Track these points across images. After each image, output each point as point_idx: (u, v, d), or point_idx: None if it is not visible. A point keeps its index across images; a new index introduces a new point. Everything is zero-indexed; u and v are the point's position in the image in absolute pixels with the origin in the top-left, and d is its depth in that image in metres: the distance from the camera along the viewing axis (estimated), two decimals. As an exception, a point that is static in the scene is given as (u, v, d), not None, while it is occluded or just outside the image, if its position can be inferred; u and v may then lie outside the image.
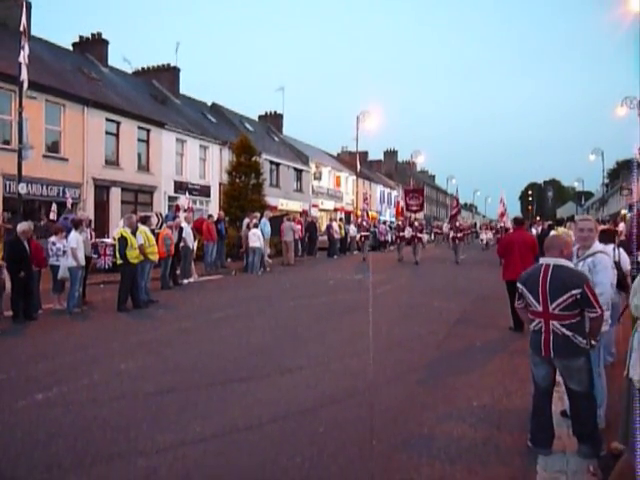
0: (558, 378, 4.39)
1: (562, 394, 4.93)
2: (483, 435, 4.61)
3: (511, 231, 16.85)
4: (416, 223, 24.70)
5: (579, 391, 4.12)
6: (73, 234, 10.71)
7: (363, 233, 25.71)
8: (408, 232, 23.46)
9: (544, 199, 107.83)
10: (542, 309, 4.12)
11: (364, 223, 26.31)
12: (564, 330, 4.04)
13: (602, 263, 4.66)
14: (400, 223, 25.28)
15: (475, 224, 46.61)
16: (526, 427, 4.44)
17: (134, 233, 11.25)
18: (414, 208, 25.65)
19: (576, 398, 4.17)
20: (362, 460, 4.14)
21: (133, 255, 11.05)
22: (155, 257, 12.03)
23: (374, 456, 4.20)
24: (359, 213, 32.43)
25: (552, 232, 11.27)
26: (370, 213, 51.41)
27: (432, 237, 42.12)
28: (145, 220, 12.42)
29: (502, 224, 23.26)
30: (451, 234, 25.35)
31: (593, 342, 4.13)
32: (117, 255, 11.25)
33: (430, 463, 4.10)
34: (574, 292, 3.97)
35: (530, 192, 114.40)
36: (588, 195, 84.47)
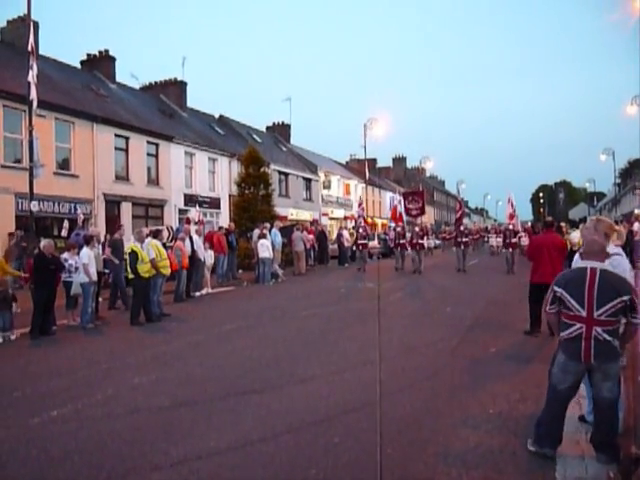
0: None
1: (579, 398, 4.88)
2: (500, 442, 4.55)
3: (541, 233, 16.68)
4: (417, 228, 23.43)
5: (610, 398, 4.02)
6: (85, 250, 10.79)
7: (360, 241, 23.81)
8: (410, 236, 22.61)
9: (555, 201, 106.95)
10: (586, 314, 3.99)
11: (360, 230, 24.45)
12: (605, 335, 3.94)
13: (622, 265, 4.58)
14: (399, 229, 23.74)
15: (486, 228, 45.48)
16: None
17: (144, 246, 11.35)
18: (414, 212, 24.08)
19: (604, 406, 4.07)
20: (378, 470, 4.10)
21: (144, 269, 11.10)
22: (167, 271, 12.08)
23: (390, 465, 4.16)
24: (355, 216, 30.30)
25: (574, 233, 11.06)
26: (375, 220, 51.41)
27: (440, 242, 41.32)
28: (157, 234, 12.48)
29: (511, 227, 21.64)
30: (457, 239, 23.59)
31: (622, 349, 4.07)
32: (128, 270, 11.32)
33: (446, 471, 4.06)
34: (625, 298, 3.90)
35: (541, 194, 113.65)
36: (600, 196, 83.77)
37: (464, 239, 22.39)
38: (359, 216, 25.51)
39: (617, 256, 4.69)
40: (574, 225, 16.60)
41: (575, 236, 10.31)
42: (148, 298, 11.21)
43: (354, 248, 25.61)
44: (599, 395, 4.08)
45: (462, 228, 23.33)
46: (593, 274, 4.02)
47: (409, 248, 22.64)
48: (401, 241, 22.88)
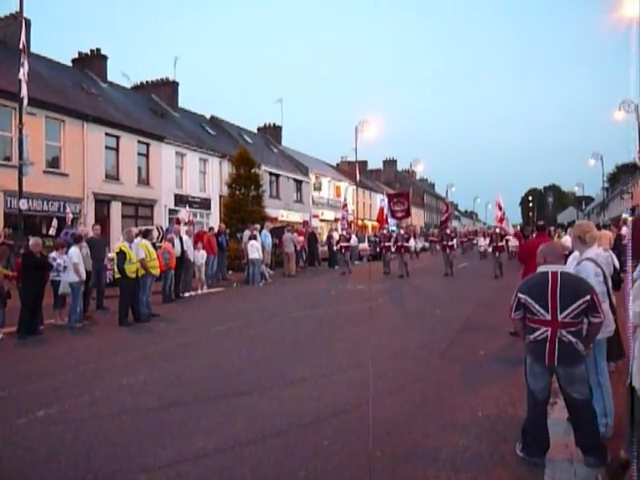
0: (556, 386, 4.35)
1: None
2: (489, 445, 4.55)
3: (532, 237, 16.66)
4: (401, 231, 22.43)
5: (581, 400, 4.06)
6: (73, 249, 10.71)
7: (343, 244, 22.95)
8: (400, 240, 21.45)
9: (545, 205, 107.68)
10: (551, 317, 4.04)
11: (344, 232, 23.50)
12: (570, 337, 4.00)
13: (586, 270, 4.63)
14: (385, 232, 22.62)
15: (475, 231, 45.35)
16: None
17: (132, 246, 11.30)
18: (399, 215, 22.33)
19: (578, 408, 4.12)
20: (367, 473, 4.09)
21: (131, 269, 11.05)
22: (156, 271, 12.03)
23: (379, 468, 4.15)
24: (340, 218, 29.08)
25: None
26: (365, 222, 51.43)
27: (428, 245, 41.05)
28: (147, 234, 12.42)
29: (498, 230, 20.58)
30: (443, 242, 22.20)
31: (588, 351, 4.12)
32: (116, 269, 11.26)
33: (435, 475, 4.05)
34: (586, 298, 3.96)
35: (530, 198, 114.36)
36: (588, 200, 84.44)
37: (450, 242, 21.48)
38: (343, 218, 24.94)
39: (585, 261, 4.73)
40: (565, 229, 16.52)
41: (567, 240, 10.36)
42: (137, 298, 11.14)
43: (335, 250, 24.60)
44: (570, 398, 4.13)
45: (448, 231, 22.26)
46: (555, 278, 4.09)
47: (393, 250, 21.91)
48: (386, 244, 22.05)
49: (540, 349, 4.09)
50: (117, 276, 11.23)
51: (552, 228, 22.76)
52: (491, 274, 19.29)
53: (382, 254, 22.64)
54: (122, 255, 11.02)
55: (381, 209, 24.19)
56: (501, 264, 19.58)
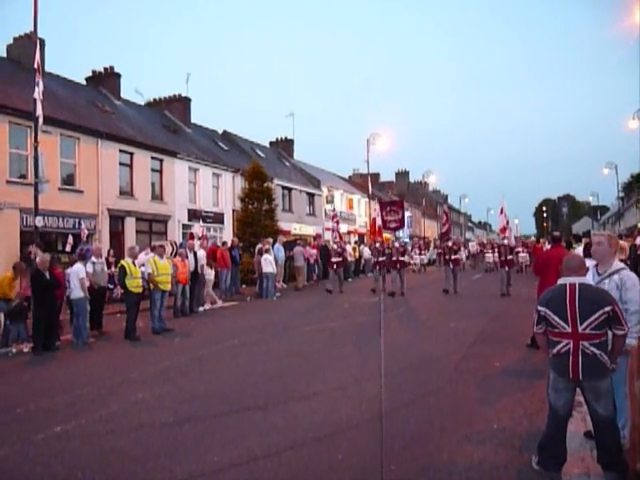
0: (579, 398, 4.31)
1: (584, 415, 4.85)
2: (504, 458, 4.53)
3: (548, 248, 16.03)
4: (397, 244, 19.72)
5: (605, 416, 4.01)
6: (78, 265, 10.87)
7: (334, 259, 20.16)
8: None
9: (559, 215, 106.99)
10: (571, 330, 4.00)
11: (335, 246, 20.89)
12: (593, 349, 3.94)
13: (631, 280, 4.57)
14: (378, 245, 19.78)
15: (483, 243, 43.12)
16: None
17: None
18: (393, 225, 19.29)
19: (602, 424, 4.05)
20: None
21: (133, 284, 11.21)
22: (166, 286, 12.08)
23: (394, 482, 4.14)
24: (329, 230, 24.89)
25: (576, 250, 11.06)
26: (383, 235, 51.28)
27: (435, 258, 39.51)
28: (154, 248, 12.49)
29: (506, 241, 18.24)
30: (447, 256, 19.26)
31: (614, 365, 4.06)
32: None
33: (451, 488, 4.04)
34: (607, 309, 3.93)
35: (544, 208, 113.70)
36: (604, 209, 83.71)
37: (454, 256, 19.03)
38: (333, 230, 22.09)
39: (626, 271, 4.67)
40: (578, 239, 15.74)
41: (580, 251, 10.29)
42: (132, 314, 11.24)
43: (330, 265, 21.01)
44: (595, 414, 4.06)
45: (450, 243, 19.66)
46: (572, 289, 4.06)
47: (377, 268, 19.12)
48: (380, 259, 19.12)
49: (563, 363, 4.04)
50: (121, 291, 11.47)
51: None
52: (493, 292, 17.40)
53: (375, 270, 19.93)
54: (122, 270, 11.28)
55: (374, 220, 21.93)
56: (509, 281, 17.27)
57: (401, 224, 20.02)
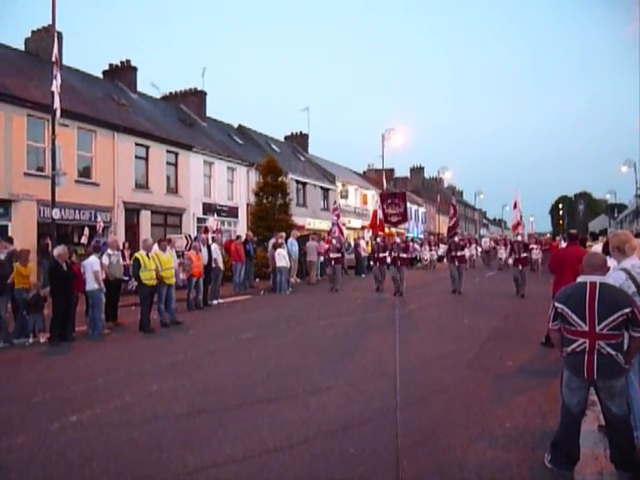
0: (593, 397, 4.28)
1: (598, 413, 4.82)
2: (517, 456, 4.51)
3: (563, 245, 15.58)
4: (397, 239, 17.74)
5: (619, 415, 3.98)
6: (93, 258, 10.96)
7: (333, 255, 19.06)
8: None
9: (575, 212, 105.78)
10: (588, 329, 3.97)
11: (334, 241, 19.53)
12: (609, 349, 3.91)
13: (615, 281, 4.54)
14: (379, 240, 18.64)
15: (496, 239, 41.63)
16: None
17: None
18: (394, 219, 18.90)
19: (616, 423, 4.03)
20: (393, 482, 4.09)
21: (147, 277, 11.28)
22: (170, 280, 12.08)
23: (405, 478, 4.15)
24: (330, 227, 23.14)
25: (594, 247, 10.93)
26: (392, 230, 51.11)
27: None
28: (160, 243, 12.53)
29: (519, 237, 16.99)
30: (452, 253, 17.76)
31: (628, 365, 4.03)
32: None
33: (463, 485, 4.04)
34: (626, 310, 3.89)
35: (561, 206, 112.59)
36: (621, 207, 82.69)
37: (459, 253, 17.55)
38: (333, 224, 20.92)
39: (618, 271, 4.63)
40: (594, 237, 15.13)
41: (597, 249, 10.18)
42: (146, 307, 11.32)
43: (324, 259, 20.29)
44: (609, 414, 4.04)
45: (457, 239, 18.09)
46: (593, 288, 4.02)
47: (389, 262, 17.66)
48: (381, 255, 17.91)
49: (578, 362, 4.01)
50: (135, 284, 11.58)
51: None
52: (506, 292, 16.68)
53: (374, 267, 19.06)
54: (137, 263, 11.36)
55: (374, 213, 21.10)
56: (524, 280, 16.16)
57: (404, 218, 19.15)
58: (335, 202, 24.53)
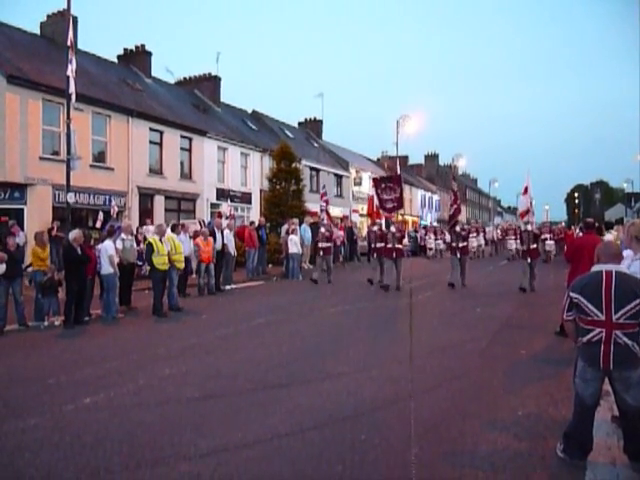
0: (607, 387, 4.24)
1: (612, 404, 4.78)
2: (528, 445, 4.50)
3: (580, 235, 15.10)
4: (393, 228, 15.83)
5: (634, 406, 3.93)
6: (107, 242, 11.01)
7: (323, 244, 17.38)
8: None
9: (591, 201, 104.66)
10: (605, 318, 3.92)
11: (322, 229, 17.83)
12: (625, 339, 3.87)
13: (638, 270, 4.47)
14: (376, 229, 17.32)
15: (505, 229, 39.65)
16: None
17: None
18: (389, 205, 16.75)
19: (630, 414, 3.99)
20: (404, 469, 4.09)
21: (160, 261, 11.33)
22: (181, 265, 12.18)
23: (416, 465, 4.15)
24: (320, 215, 21.01)
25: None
26: (405, 217, 50.96)
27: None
28: (174, 228, 12.57)
29: (529, 227, 15.26)
30: (454, 244, 16.31)
31: None
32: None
33: (473, 473, 4.03)
34: None
35: (576, 194, 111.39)
36: (638, 196, 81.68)
37: (461, 244, 16.02)
38: (321, 210, 19.43)
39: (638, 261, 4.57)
40: (609, 227, 14.28)
41: (610, 238, 10.07)
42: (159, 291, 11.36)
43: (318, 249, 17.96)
44: (624, 405, 4.00)
45: (458, 228, 16.47)
46: (609, 277, 3.96)
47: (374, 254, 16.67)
48: (378, 245, 16.29)
49: (594, 352, 3.97)
50: (148, 268, 11.62)
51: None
52: (511, 286, 15.06)
53: (371, 258, 17.83)
54: (150, 247, 11.44)
55: (370, 199, 19.64)
56: (533, 274, 14.55)
57: (400, 204, 16.86)
58: (324, 187, 22.65)
